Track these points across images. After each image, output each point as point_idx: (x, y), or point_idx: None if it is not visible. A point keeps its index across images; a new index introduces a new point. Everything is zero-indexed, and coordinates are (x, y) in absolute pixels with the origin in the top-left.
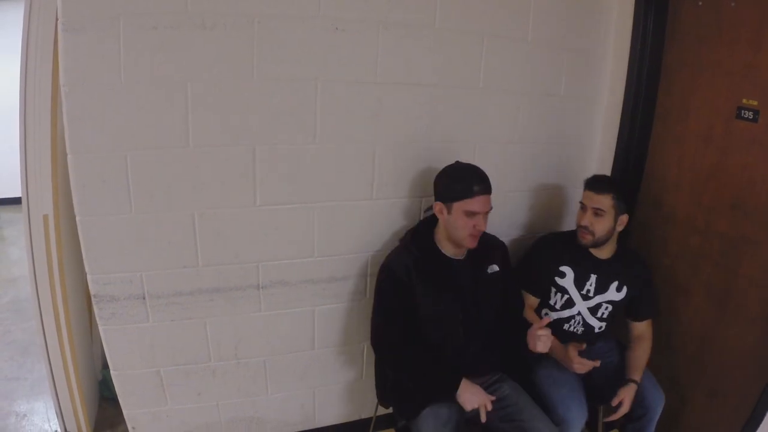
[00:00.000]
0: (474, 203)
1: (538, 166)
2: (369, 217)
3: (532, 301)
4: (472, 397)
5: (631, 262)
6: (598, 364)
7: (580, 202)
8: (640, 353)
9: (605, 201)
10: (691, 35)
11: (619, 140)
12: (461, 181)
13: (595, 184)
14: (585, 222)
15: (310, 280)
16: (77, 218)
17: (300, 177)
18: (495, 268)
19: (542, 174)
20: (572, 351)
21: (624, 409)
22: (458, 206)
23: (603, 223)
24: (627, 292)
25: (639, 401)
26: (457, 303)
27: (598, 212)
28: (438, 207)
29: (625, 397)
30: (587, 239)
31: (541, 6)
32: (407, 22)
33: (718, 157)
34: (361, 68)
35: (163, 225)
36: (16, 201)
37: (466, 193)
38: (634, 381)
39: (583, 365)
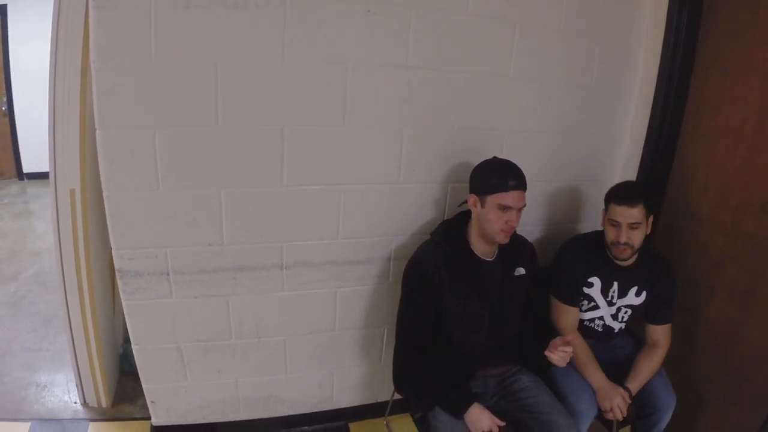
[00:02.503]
0: (508, 197)
1: (566, 157)
2: (395, 201)
3: (573, 312)
4: (478, 422)
5: (654, 267)
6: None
7: (611, 220)
8: (648, 363)
9: (639, 213)
10: (725, 31)
11: (648, 135)
12: (497, 175)
13: (626, 197)
14: (623, 239)
15: (334, 261)
16: (104, 193)
17: (327, 159)
18: (521, 270)
19: (570, 165)
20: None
21: (615, 415)
22: (492, 199)
23: (640, 234)
24: (646, 297)
25: (648, 400)
26: (483, 303)
27: (633, 226)
28: (472, 200)
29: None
30: (627, 253)
31: None
32: (439, 6)
33: (748, 156)
34: (392, 52)
35: (190, 202)
36: (43, 175)
37: (501, 187)
38: (627, 389)
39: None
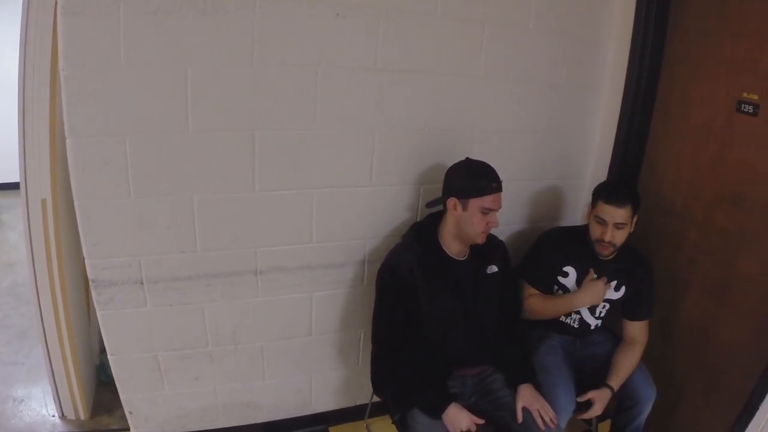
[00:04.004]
0: (491, 200)
1: (538, 156)
2: (367, 203)
3: (532, 291)
4: (456, 421)
5: (632, 262)
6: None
7: (597, 217)
8: (627, 360)
9: (626, 214)
10: (693, 28)
11: (619, 131)
12: (479, 179)
13: (615, 197)
14: (608, 237)
15: (308, 266)
16: (76, 203)
17: (299, 163)
18: (494, 268)
19: (542, 164)
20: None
21: (595, 412)
22: (476, 203)
23: (624, 234)
24: (625, 292)
25: (628, 393)
26: (458, 303)
27: (619, 226)
28: (452, 203)
29: (596, 399)
30: (609, 250)
31: None
32: (408, 8)
33: (718, 151)
34: (361, 55)
35: (162, 210)
36: (14, 186)
37: (484, 190)
38: (609, 387)
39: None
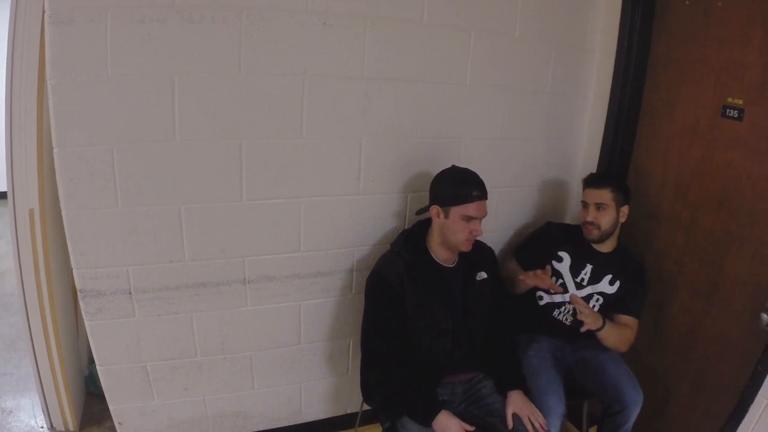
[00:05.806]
0: (472, 208)
1: (525, 162)
2: (355, 212)
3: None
4: (447, 429)
5: (628, 260)
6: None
7: (582, 201)
8: (617, 328)
9: (605, 195)
10: (678, 33)
11: (605, 136)
12: (461, 187)
13: (593, 180)
14: (590, 218)
15: (297, 274)
16: (63, 213)
17: (286, 172)
18: (483, 275)
19: (529, 170)
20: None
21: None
22: (457, 211)
23: (607, 216)
24: (619, 287)
25: (615, 398)
26: (447, 310)
27: (600, 206)
28: (435, 210)
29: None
30: (594, 233)
31: (529, 2)
32: (395, 17)
33: (704, 154)
34: (348, 63)
35: (150, 219)
36: (1, 196)
37: (466, 198)
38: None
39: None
